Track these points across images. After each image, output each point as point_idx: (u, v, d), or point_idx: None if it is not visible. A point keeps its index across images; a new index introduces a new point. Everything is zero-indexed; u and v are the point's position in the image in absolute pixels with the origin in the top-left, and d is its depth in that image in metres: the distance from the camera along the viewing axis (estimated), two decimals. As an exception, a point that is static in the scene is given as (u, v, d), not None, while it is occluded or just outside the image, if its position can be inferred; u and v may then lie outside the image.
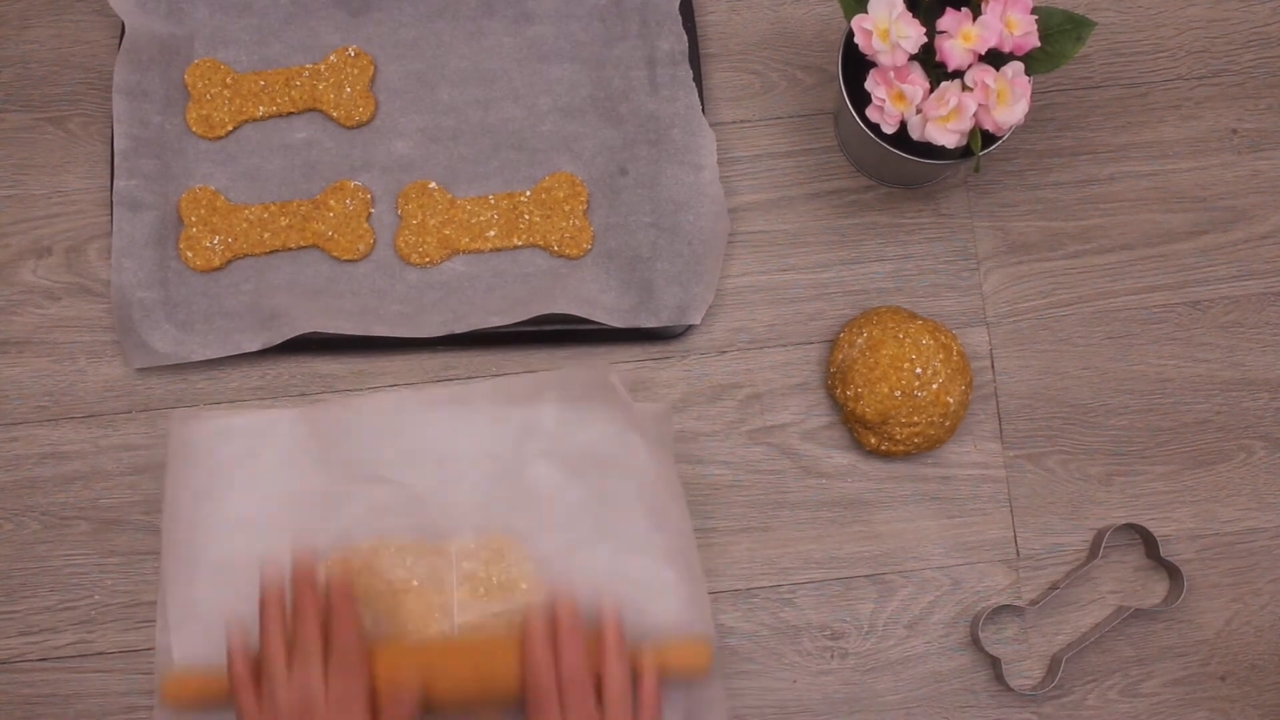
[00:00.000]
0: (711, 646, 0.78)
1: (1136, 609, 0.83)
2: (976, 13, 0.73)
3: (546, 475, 0.82)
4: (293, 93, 0.86)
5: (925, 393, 0.81)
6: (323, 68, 0.86)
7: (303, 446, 0.82)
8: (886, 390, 0.81)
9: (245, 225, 0.85)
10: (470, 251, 0.86)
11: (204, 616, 0.80)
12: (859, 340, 0.83)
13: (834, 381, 0.84)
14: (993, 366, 0.86)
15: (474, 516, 0.82)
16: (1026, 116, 0.74)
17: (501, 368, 0.85)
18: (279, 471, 0.82)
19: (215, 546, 0.81)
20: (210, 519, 0.81)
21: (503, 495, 0.82)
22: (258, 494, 0.81)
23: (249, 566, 0.80)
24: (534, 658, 0.74)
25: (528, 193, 0.86)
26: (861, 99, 0.77)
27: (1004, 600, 0.84)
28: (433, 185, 0.86)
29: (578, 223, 0.85)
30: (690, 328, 0.86)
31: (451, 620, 0.81)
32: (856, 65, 0.78)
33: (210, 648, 0.79)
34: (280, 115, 0.87)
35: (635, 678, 0.75)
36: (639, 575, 0.81)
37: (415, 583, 0.81)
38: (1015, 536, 0.85)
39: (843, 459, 0.85)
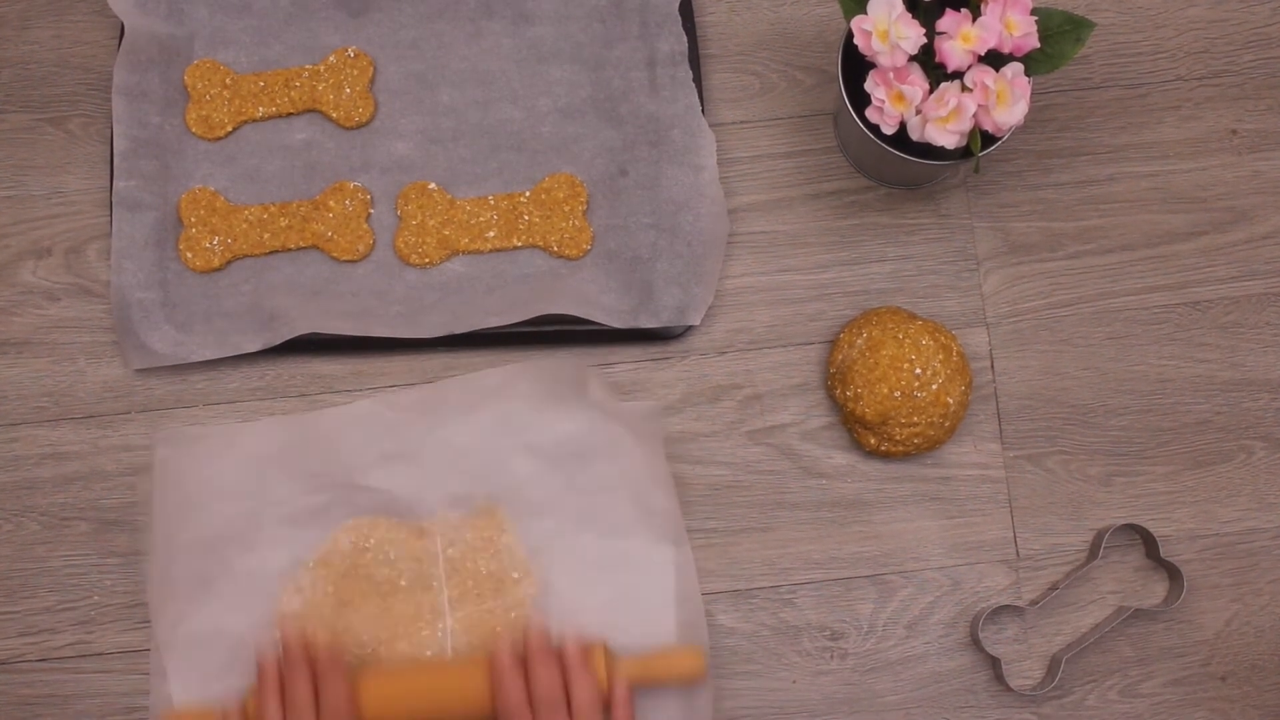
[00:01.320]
0: (704, 652, 0.79)
1: (1136, 609, 0.83)
2: (976, 14, 0.73)
3: (525, 466, 0.82)
4: (292, 93, 0.86)
5: (925, 393, 0.81)
6: (322, 68, 0.86)
7: (279, 459, 0.82)
8: (886, 391, 0.81)
9: (245, 226, 0.85)
10: (470, 252, 0.86)
11: (189, 634, 0.81)
12: (859, 341, 0.83)
13: (834, 382, 0.84)
14: (992, 367, 0.86)
15: (455, 510, 0.83)
16: (1026, 117, 0.74)
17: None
18: (258, 486, 0.82)
19: (200, 562, 0.81)
20: (194, 535, 0.81)
21: (482, 490, 0.82)
22: (239, 509, 0.82)
23: (230, 580, 0.81)
24: (504, 680, 0.75)
25: (527, 193, 0.86)
26: (861, 100, 0.77)
27: (1004, 600, 0.84)
28: (432, 186, 0.86)
29: (577, 223, 0.85)
30: (690, 328, 0.86)
31: (444, 620, 0.81)
32: (856, 66, 0.78)
33: (198, 666, 0.80)
34: (280, 116, 0.86)
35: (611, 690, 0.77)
36: (626, 562, 0.81)
37: (403, 582, 0.81)
38: (1015, 537, 0.85)
39: (842, 459, 0.85)
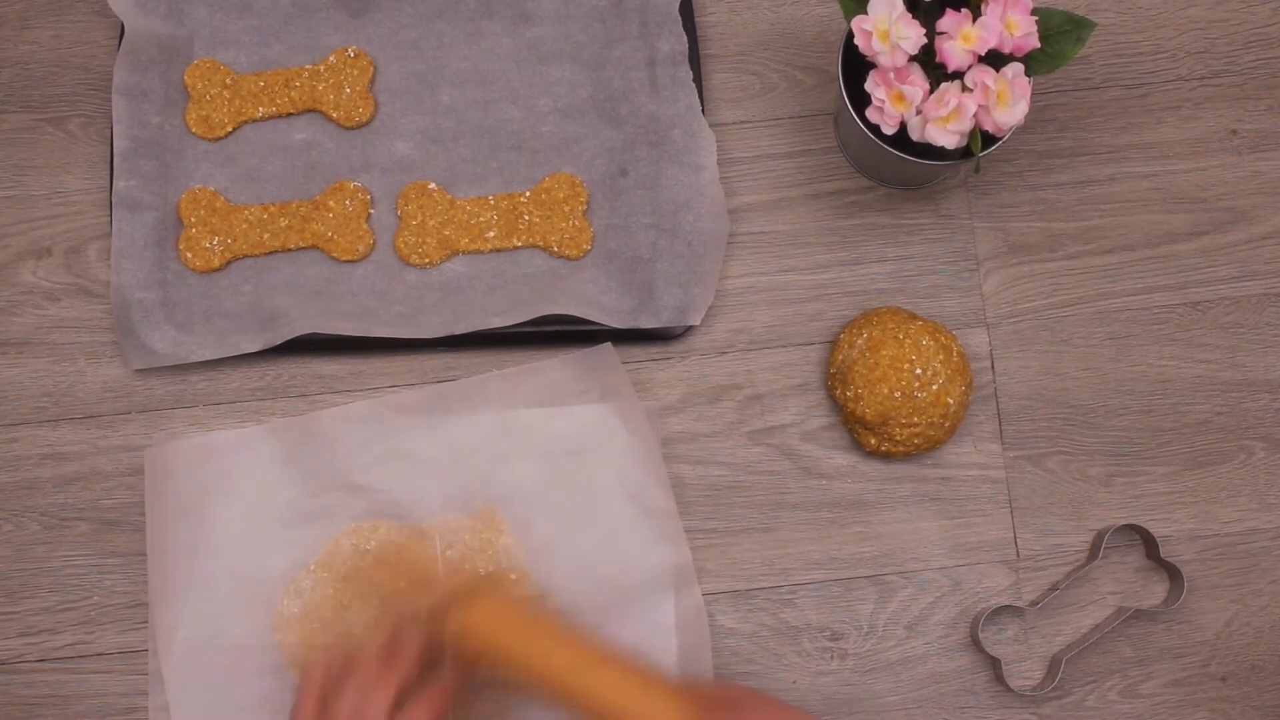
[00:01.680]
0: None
1: (1137, 610, 0.83)
2: (976, 14, 0.73)
3: (524, 468, 0.83)
4: (292, 93, 0.86)
5: (925, 394, 0.81)
6: (322, 68, 0.86)
7: (278, 461, 0.83)
8: (886, 391, 0.81)
9: (245, 226, 0.85)
10: (470, 252, 0.86)
11: (188, 637, 0.81)
12: (859, 341, 0.83)
13: (834, 382, 0.84)
14: (993, 367, 0.86)
15: (454, 511, 0.82)
16: (1026, 117, 0.74)
17: (501, 368, 0.85)
18: (257, 488, 0.82)
19: (199, 566, 0.81)
20: (193, 540, 0.81)
21: (481, 493, 0.82)
22: (237, 512, 0.82)
23: (229, 584, 0.81)
24: None
25: (527, 193, 0.86)
26: (861, 100, 0.77)
27: (1004, 601, 0.84)
28: (432, 186, 0.86)
29: (577, 223, 0.85)
30: (690, 329, 0.86)
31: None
32: (857, 66, 0.78)
33: (197, 670, 0.80)
34: (280, 116, 0.86)
35: None
36: (625, 563, 0.82)
37: (403, 584, 0.82)
38: (1015, 537, 0.85)
39: (843, 460, 0.85)
